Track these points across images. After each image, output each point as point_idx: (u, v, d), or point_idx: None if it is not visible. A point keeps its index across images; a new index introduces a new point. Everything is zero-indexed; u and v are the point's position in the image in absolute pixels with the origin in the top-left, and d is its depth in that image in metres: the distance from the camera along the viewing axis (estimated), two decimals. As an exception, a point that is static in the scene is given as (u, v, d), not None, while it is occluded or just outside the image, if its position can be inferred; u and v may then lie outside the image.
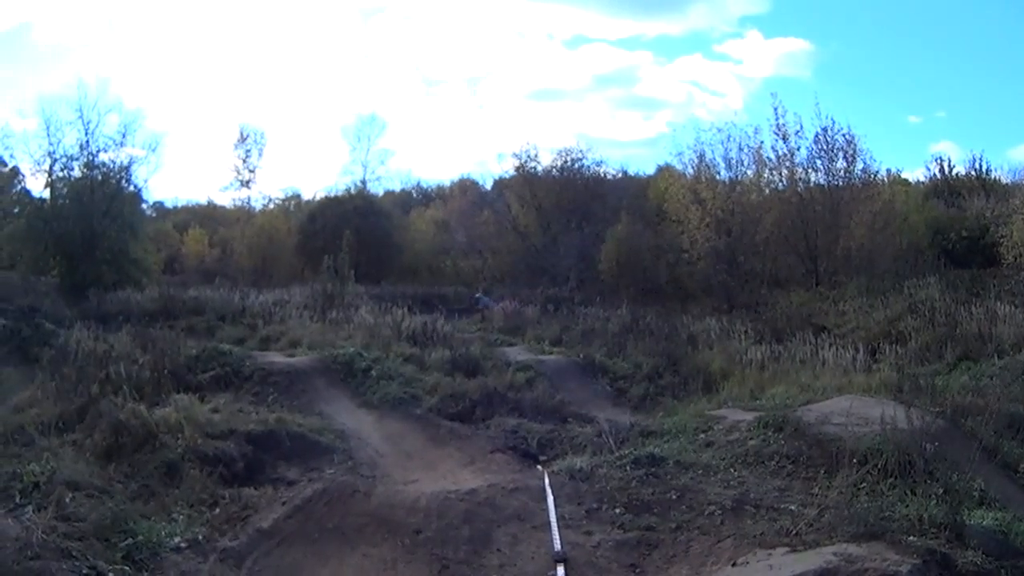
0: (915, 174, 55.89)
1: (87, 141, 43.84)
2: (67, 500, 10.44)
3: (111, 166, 44.60)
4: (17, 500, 10.63)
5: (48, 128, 43.49)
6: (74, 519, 9.89)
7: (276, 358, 22.33)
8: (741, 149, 45.56)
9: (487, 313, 38.60)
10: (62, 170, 43.92)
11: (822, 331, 27.18)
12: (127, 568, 9.10)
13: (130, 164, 45.40)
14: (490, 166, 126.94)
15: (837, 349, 23.42)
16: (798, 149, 43.83)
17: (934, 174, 52.75)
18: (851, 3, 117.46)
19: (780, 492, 11.83)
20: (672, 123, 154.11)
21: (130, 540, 9.66)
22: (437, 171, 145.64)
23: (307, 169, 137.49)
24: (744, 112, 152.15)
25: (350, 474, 14.27)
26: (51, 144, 43.55)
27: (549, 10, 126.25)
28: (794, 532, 10.00)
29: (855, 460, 12.03)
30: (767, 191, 46.00)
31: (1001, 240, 35.37)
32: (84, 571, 8.65)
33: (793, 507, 11.01)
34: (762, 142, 45.12)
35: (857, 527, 9.62)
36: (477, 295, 42.76)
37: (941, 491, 10.96)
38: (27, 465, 11.84)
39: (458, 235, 60.71)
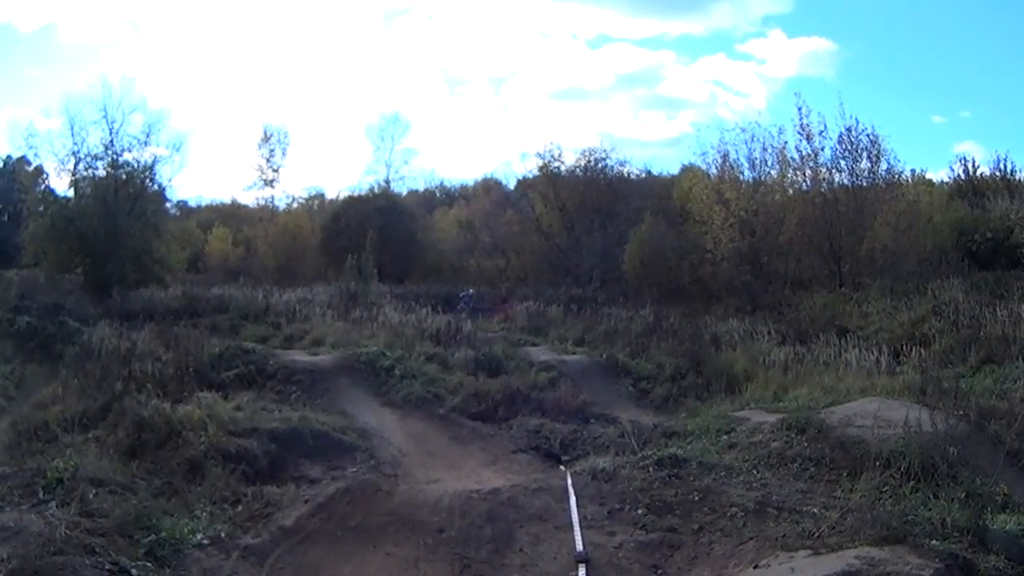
0: (939, 174, 55.36)
1: (111, 140, 43.97)
2: (90, 496, 10.49)
3: (135, 165, 44.70)
4: (41, 496, 10.68)
5: (73, 127, 43.62)
6: (97, 515, 9.94)
7: (299, 356, 22.38)
8: (765, 149, 45.33)
9: (467, 309, 38.63)
10: (86, 169, 44.03)
11: (845, 333, 27.04)
12: (150, 564, 9.14)
13: (154, 163, 45.50)
14: (514, 166, 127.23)
15: (860, 351, 23.30)
16: (822, 149, 43.46)
17: (958, 175, 52.23)
18: (874, 2, 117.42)
19: (803, 494, 11.82)
20: (695, 123, 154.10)
21: (153, 537, 9.70)
22: (461, 171, 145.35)
23: (331, 168, 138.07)
24: (767, 112, 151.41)
25: (373, 473, 14.28)
26: (75, 143, 43.68)
27: (572, 10, 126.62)
28: (816, 535, 9.97)
29: (878, 463, 12.05)
30: (791, 191, 45.65)
31: (1026, 241, 35.17)
32: (107, 567, 8.69)
33: (815, 510, 10.98)
34: (786, 142, 44.81)
35: (879, 530, 9.60)
36: (463, 293, 42.45)
37: (964, 495, 10.97)
38: (51, 461, 11.90)
39: (481, 235, 60.65)
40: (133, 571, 8.84)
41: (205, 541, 10.09)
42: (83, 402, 15.92)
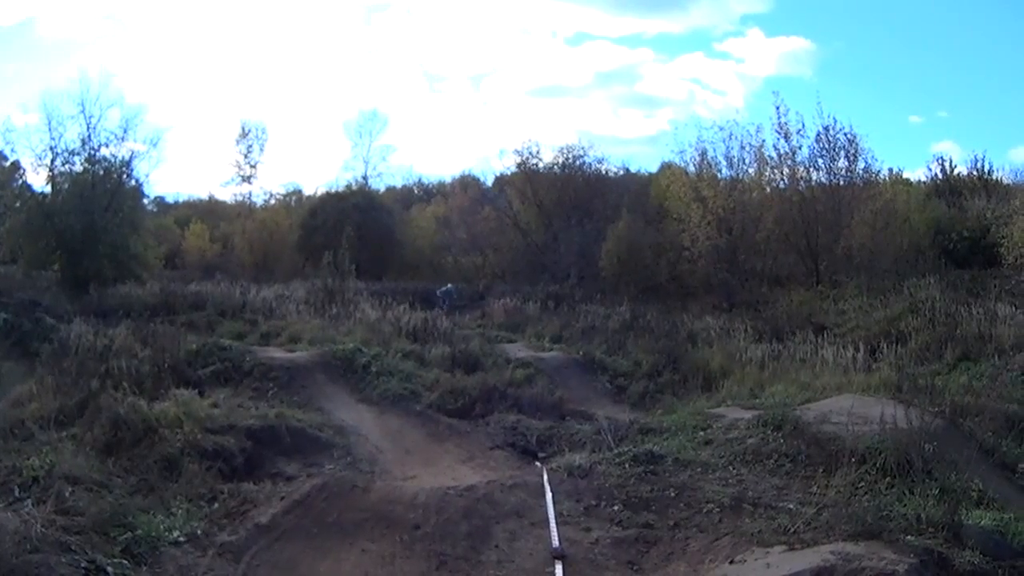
0: (916, 174, 55.75)
1: (89, 136, 43.73)
2: (66, 494, 10.46)
3: (112, 161, 44.50)
4: (17, 494, 10.66)
5: (50, 122, 43.33)
6: (73, 513, 9.92)
7: (276, 353, 22.34)
8: (743, 147, 45.47)
9: (445, 305, 38.43)
10: (63, 164, 43.77)
11: (822, 330, 27.22)
12: (126, 562, 9.12)
13: (131, 159, 45.31)
14: (492, 163, 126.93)
15: (837, 348, 23.44)
16: (799, 148, 43.71)
17: (935, 174, 52.68)
18: (853, 2, 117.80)
19: (778, 490, 11.87)
20: (674, 121, 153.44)
21: (129, 534, 9.68)
22: (439, 167, 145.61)
23: (308, 165, 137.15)
24: (745, 110, 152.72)
25: (349, 469, 14.32)
26: (53, 139, 43.41)
27: (552, 7, 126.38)
28: (792, 530, 10.02)
29: (854, 459, 12.10)
30: (768, 189, 45.81)
31: (1002, 241, 35.33)
32: (83, 565, 8.66)
33: (791, 506, 11.04)
34: (764, 140, 45.03)
35: (855, 526, 9.65)
36: (441, 290, 41.81)
37: (939, 491, 11.02)
38: (27, 459, 11.87)
39: (459, 232, 60.65)
40: (109, 569, 8.82)
41: (181, 538, 10.08)
42: (59, 399, 15.79)
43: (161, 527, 10.20)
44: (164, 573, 9.30)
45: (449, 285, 41.56)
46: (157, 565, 9.37)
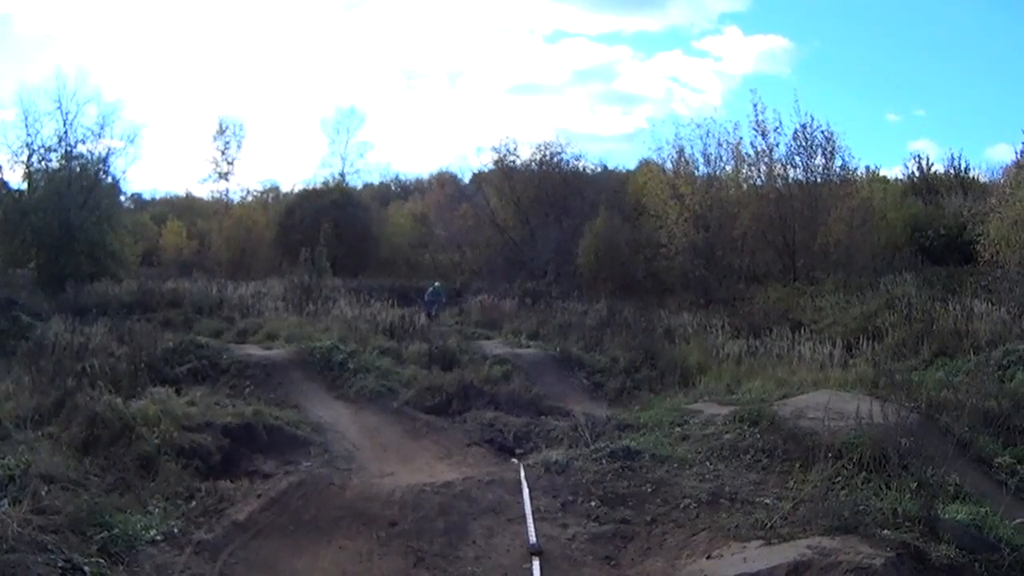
0: (893, 172, 56.05)
1: (65, 132, 43.71)
2: (43, 493, 10.37)
3: (89, 157, 44.49)
4: (-8, 493, 10.59)
5: (26, 119, 43.34)
6: (50, 512, 9.84)
7: (253, 351, 22.34)
8: (720, 145, 45.81)
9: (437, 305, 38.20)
10: (40, 161, 43.75)
11: (799, 326, 27.28)
12: (102, 561, 9.06)
13: (108, 155, 45.32)
14: (469, 160, 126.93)
15: (814, 344, 23.58)
16: (777, 145, 44.07)
17: (912, 172, 53.01)
18: (831, 1, 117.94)
19: (755, 486, 11.88)
20: (651, 118, 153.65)
21: (106, 533, 9.61)
22: (416, 164, 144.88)
23: (286, 161, 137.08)
24: (723, 108, 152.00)
25: (326, 467, 14.32)
26: (29, 135, 43.41)
27: (530, 5, 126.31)
28: (769, 525, 10.03)
29: (830, 454, 12.08)
30: (745, 187, 46.04)
31: (978, 238, 35.38)
32: (60, 564, 8.60)
33: (768, 501, 11.05)
34: (741, 138, 45.38)
35: (832, 521, 9.67)
36: (429, 290, 40.93)
37: (915, 485, 10.99)
38: (2, 458, 11.76)
39: (436, 228, 60.78)
40: (86, 568, 8.77)
41: (158, 537, 10.02)
42: (36, 398, 15.71)
43: (138, 526, 10.14)
44: (141, 572, 9.24)
45: (436, 283, 40.46)
46: (134, 564, 9.32)
